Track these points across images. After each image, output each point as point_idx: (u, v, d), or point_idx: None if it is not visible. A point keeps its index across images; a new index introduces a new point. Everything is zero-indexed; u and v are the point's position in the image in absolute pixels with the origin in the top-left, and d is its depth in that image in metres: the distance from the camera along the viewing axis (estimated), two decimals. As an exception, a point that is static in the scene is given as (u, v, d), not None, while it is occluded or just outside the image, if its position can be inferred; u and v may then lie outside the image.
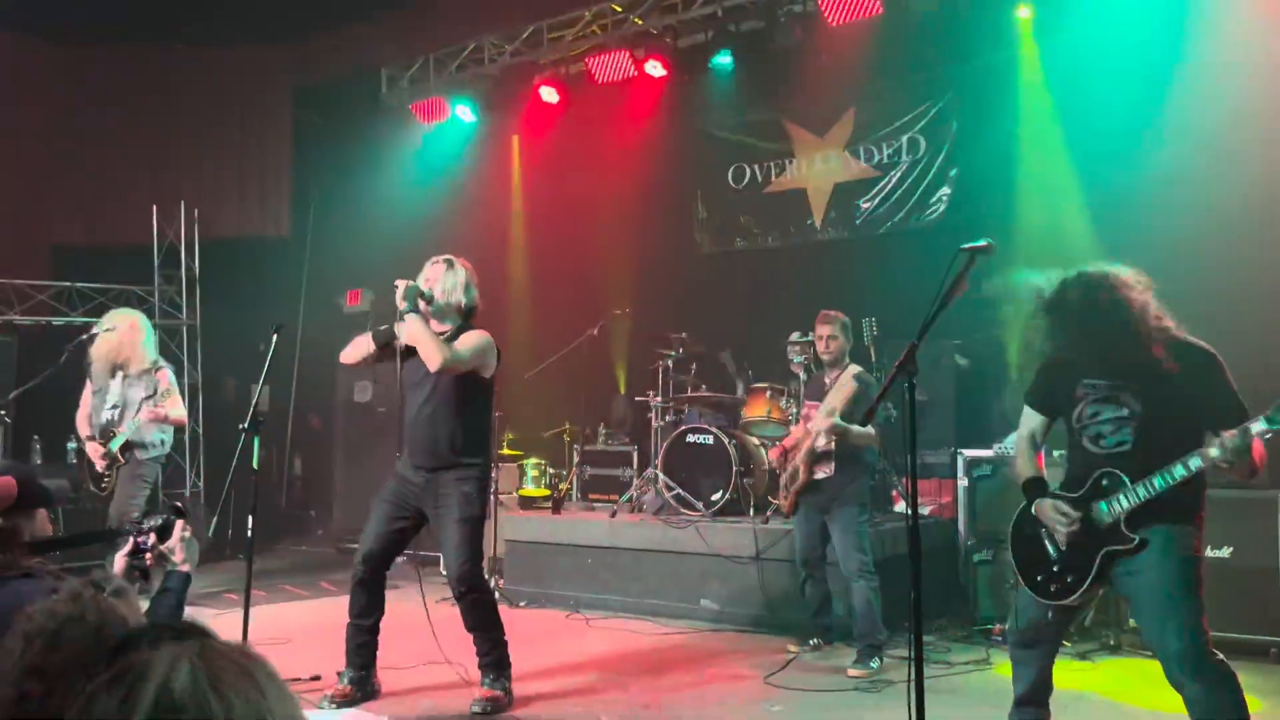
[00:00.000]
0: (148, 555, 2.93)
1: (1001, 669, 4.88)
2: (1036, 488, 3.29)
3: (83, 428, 6.27)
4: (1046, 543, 3.23)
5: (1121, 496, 3.05)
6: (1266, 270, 5.87)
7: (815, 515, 5.28)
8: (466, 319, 4.41)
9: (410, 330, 4.17)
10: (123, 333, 6.15)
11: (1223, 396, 3.03)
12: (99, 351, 6.13)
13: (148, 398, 6.04)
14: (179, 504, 3.10)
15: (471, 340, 4.31)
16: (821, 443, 5.11)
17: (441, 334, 4.28)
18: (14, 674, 1.72)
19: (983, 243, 3.01)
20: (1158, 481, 2.98)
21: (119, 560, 2.91)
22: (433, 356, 4.13)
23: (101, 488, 6.17)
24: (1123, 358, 3.11)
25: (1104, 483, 3.11)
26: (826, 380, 5.35)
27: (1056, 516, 3.14)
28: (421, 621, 4.40)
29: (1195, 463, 2.93)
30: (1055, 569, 3.20)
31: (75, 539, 4.38)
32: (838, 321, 5.30)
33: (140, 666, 1.04)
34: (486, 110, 9.30)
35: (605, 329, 7.91)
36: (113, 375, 6.12)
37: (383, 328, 4.43)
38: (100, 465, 6.09)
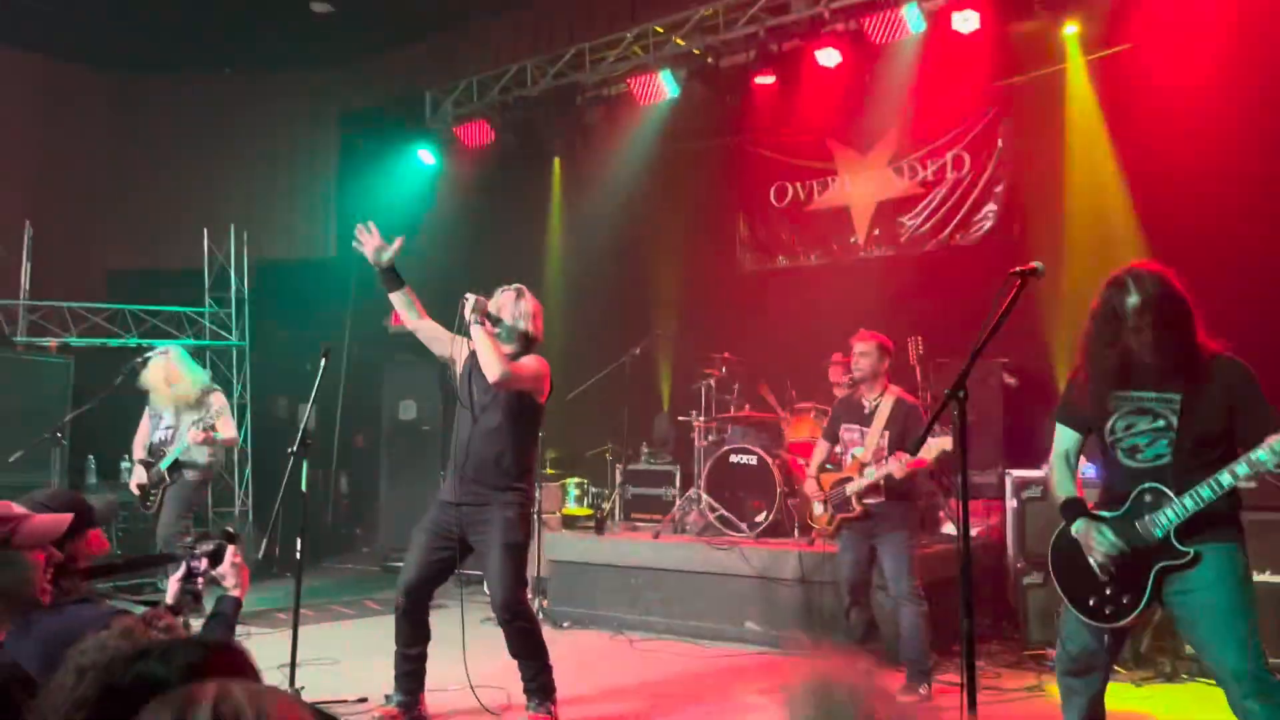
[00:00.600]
0: (200, 580, 2.97)
1: (1054, 694, 4.78)
2: (1075, 508, 3.20)
3: (138, 450, 6.53)
4: (1093, 564, 3.14)
5: (1169, 510, 2.97)
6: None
7: (862, 540, 5.18)
8: (527, 348, 4.45)
9: (476, 341, 4.26)
10: (155, 371, 6.38)
11: (1257, 405, 2.97)
12: (151, 380, 6.39)
13: (198, 420, 6.20)
14: (230, 529, 3.14)
15: (531, 363, 4.38)
16: (895, 475, 4.94)
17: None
18: (65, 707, 1.75)
19: (1033, 265, 2.97)
20: (1205, 492, 2.91)
21: (172, 585, 2.95)
22: (493, 367, 4.18)
23: (147, 505, 6.38)
24: (1160, 365, 3.03)
25: (1147, 498, 3.03)
26: (865, 402, 5.24)
27: (1098, 540, 3.06)
28: (468, 643, 4.42)
29: (1243, 469, 2.85)
30: (1107, 591, 3.09)
31: (130, 564, 4.45)
32: (872, 342, 5.22)
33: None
34: (528, 132, 9.38)
35: (647, 349, 7.91)
36: (169, 402, 6.40)
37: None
38: (134, 489, 6.36)
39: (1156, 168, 6.52)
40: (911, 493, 5.15)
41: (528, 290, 4.52)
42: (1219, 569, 2.94)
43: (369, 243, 4.51)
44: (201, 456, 6.36)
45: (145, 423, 6.56)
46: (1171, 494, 2.97)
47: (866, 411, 5.21)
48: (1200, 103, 6.34)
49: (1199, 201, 6.21)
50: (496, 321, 4.34)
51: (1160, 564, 3.00)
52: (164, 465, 6.23)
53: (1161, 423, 3.04)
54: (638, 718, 4.60)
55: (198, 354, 9.26)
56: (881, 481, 5.00)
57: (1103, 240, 6.75)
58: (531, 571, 5.71)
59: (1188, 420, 3.00)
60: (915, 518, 5.23)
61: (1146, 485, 3.03)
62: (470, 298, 4.26)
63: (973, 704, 2.64)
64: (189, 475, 6.32)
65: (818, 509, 5.36)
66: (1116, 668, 5.10)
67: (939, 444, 4.73)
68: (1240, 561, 2.98)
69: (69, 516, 2.33)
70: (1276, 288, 5.74)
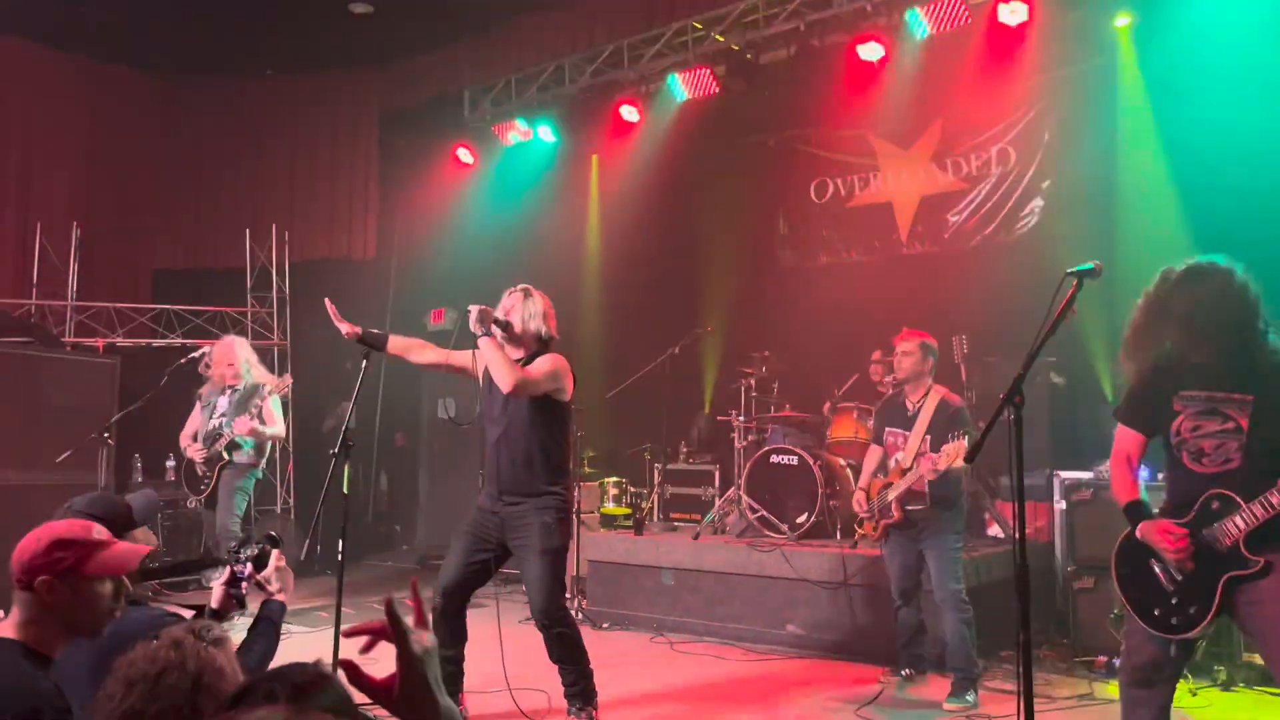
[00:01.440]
0: (244, 584, 2.97)
1: (1106, 702, 4.68)
2: (1139, 512, 3.09)
3: (185, 441, 6.72)
4: (1159, 572, 3.03)
5: (1238, 518, 2.87)
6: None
7: (910, 544, 5.09)
8: (542, 348, 4.40)
9: (484, 353, 4.23)
10: (219, 354, 6.68)
11: None
12: (213, 357, 6.68)
13: (249, 413, 6.42)
14: (273, 533, 3.15)
15: (544, 364, 4.30)
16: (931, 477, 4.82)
17: (516, 360, 4.31)
18: (114, 719, 1.75)
19: (1090, 265, 2.88)
20: (1276, 499, 2.80)
21: (216, 589, 2.96)
22: (505, 378, 4.15)
23: (201, 489, 6.53)
24: (1228, 363, 2.93)
25: (1215, 505, 2.93)
26: (908, 404, 5.11)
27: (1166, 538, 2.96)
28: (508, 646, 4.40)
29: None
30: (1174, 601, 2.99)
31: (176, 568, 4.52)
32: (915, 341, 5.08)
33: None
34: (567, 130, 9.35)
35: (687, 347, 7.85)
36: (222, 392, 6.64)
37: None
38: (197, 458, 6.53)
39: (1209, 163, 6.33)
40: (953, 496, 5.00)
41: (535, 289, 4.44)
42: None
43: (336, 322, 4.58)
44: (250, 445, 6.56)
45: (196, 414, 6.76)
46: (1240, 500, 2.87)
47: (910, 414, 5.08)
48: (1255, 98, 6.15)
49: (1254, 199, 6.02)
50: (506, 327, 4.31)
51: (1229, 573, 2.90)
52: (220, 447, 6.42)
53: (1231, 425, 2.94)
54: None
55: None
56: (925, 487, 4.88)
57: (1153, 238, 6.57)
58: (570, 572, 5.69)
59: (1258, 421, 2.89)
60: (959, 521, 5.09)
61: (1214, 491, 2.93)
62: (474, 309, 4.22)
63: (1030, 717, 2.56)
64: (239, 459, 6.50)
65: (865, 518, 5.26)
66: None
67: (955, 449, 4.57)
68: None
69: (145, 549, 2.29)
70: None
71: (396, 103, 10.52)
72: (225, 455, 6.46)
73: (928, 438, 4.93)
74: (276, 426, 6.58)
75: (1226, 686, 5.02)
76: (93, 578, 2.17)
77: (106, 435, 6.73)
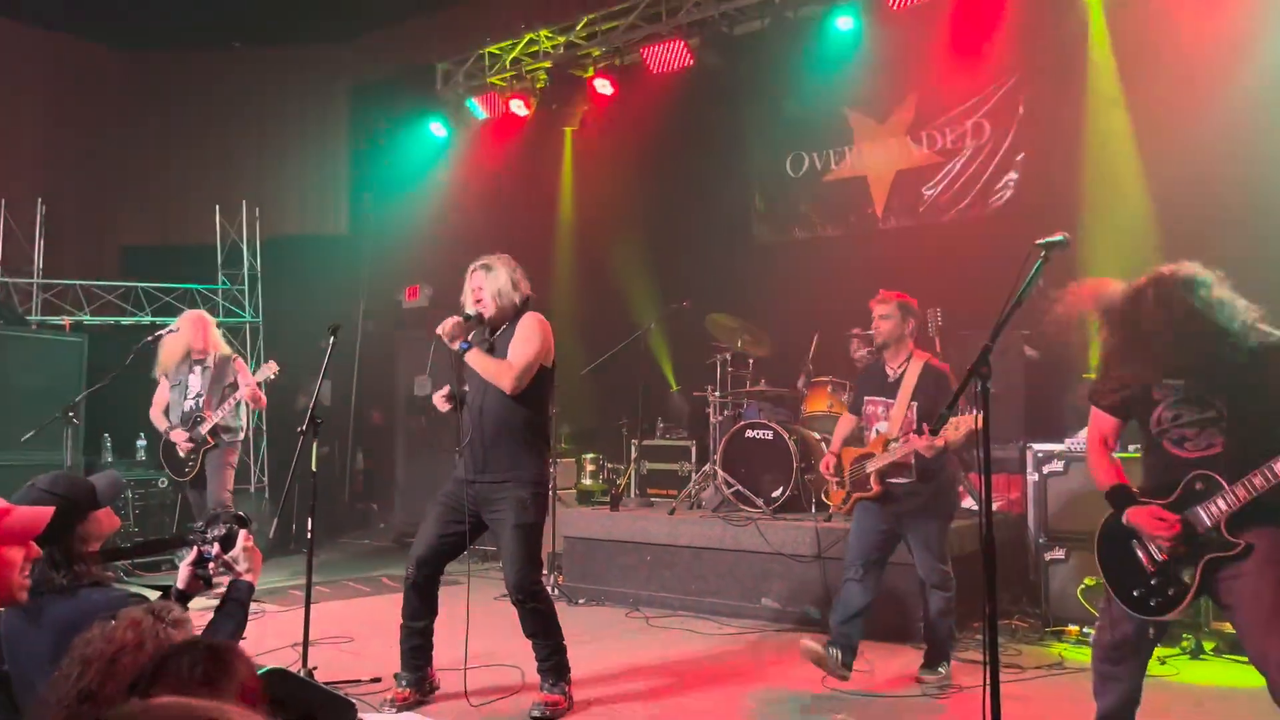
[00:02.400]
0: (211, 565, 2.94)
1: (1077, 670, 4.73)
2: (1125, 496, 3.13)
3: (159, 421, 6.54)
4: (1140, 554, 3.08)
5: (1220, 499, 2.91)
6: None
7: (886, 518, 4.69)
8: (523, 308, 4.36)
9: (473, 366, 4.23)
10: (195, 323, 6.47)
11: None
12: (171, 349, 6.42)
13: (230, 385, 6.31)
14: (241, 513, 3.11)
15: (530, 337, 4.23)
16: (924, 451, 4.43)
17: (501, 332, 4.29)
18: (70, 698, 1.72)
19: (1057, 237, 2.87)
20: (1258, 481, 2.85)
21: (182, 570, 2.93)
22: (503, 382, 4.17)
23: (185, 473, 6.40)
24: (1207, 356, 2.95)
25: (1198, 486, 2.97)
26: (888, 371, 4.77)
27: (1158, 524, 2.99)
28: (479, 620, 4.39)
29: None
30: (1154, 582, 3.04)
31: (142, 548, 4.45)
32: (892, 302, 4.72)
33: None
34: (540, 104, 9.27)
35: (664, 322, 7.83)
36: (190, 369, 6.42)
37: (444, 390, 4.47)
38: (184, 450, 6.34)
39: (1176, 134, 6.36)
40: (941, 473, 4.67)
41: (498, 258, 4.35)
42: (1269, 556, 2.88)
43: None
44: (237, 421, 6.45)
45: (164, 392, 6.54)
46: (1224, 483, 2.90)
47: (891, 380, 4.74)
48: (1223, 68, 6.17)
49: (1219, 167, 6.06)
50: (479, 321, 4.28)
51: (1209, 556, 2.94)
52: (206, 431, 6.29)
53: (1212, 412, 2.97)
54: (655, 696, 4.56)
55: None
56: (912, 460, 4.58)
57: (1122, 211, 6.60)
58: (547, 547, 5.68)
59: (1238, 409, 2.94)
60: (947, 500, 4.76)
61: (1197, 474, 2.96)
62: (443, 330, 4.21)
63: (996, 691, 2.57)
64: (226, 439, 6.39)
65: (835, 487, 5.00)
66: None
67: (965, 422, 4.16)
68: None
69: (49, 511, 2.23)
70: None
71: (367, 76, 10.39)
72: (211, 439, 6.32)
73: (914, 405, 4.62)
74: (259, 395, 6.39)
75: (1195, 654, 5.09)
76: None
77: (71, 414, 6.63)
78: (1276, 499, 2.87)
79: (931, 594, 4.76)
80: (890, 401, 4.71)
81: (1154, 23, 6.61)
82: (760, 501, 6.54)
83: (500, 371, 4.17)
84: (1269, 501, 2.87)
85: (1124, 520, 3.09)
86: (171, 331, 6.45)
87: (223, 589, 2.94)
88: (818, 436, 6.80)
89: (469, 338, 4.26)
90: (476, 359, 4.21)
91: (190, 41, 10.13)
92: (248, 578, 2.96)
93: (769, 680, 4.83)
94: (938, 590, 4.71)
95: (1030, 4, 7.09)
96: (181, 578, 2.90)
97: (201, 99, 10.42)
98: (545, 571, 5.73)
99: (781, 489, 6.47)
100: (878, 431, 4.75)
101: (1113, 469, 3.19)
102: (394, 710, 4.16)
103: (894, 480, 4.66)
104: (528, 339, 4.22)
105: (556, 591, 6.72)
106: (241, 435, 6.65)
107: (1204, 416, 2.98)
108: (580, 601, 6.63)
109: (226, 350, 6.54)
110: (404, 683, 4.33)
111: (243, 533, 3.00)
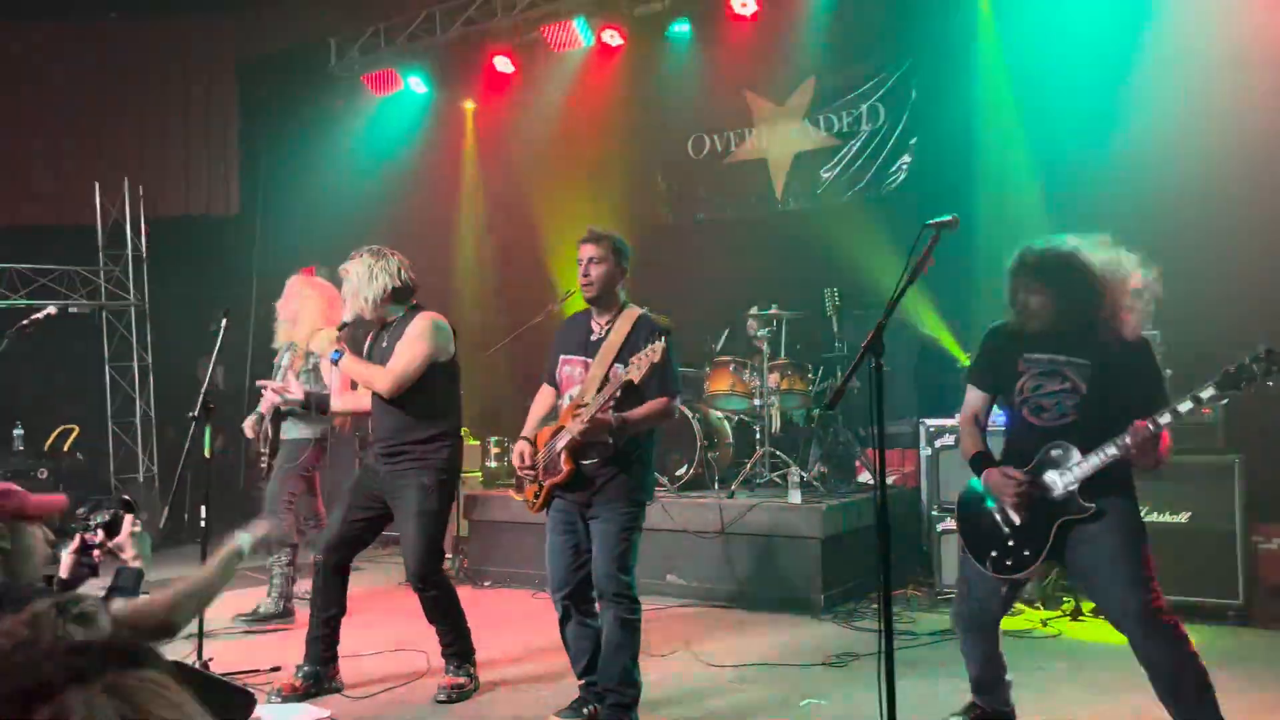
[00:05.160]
0: (96, 553, 2.82)
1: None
2: (983, 461, 3.32)
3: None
4: (998, 517, 3.27)
5: (1075, 468, 3.10)
6: (1219, 251, 5.78)
7: (578, 514, 3.74)
8: (404, 298, 4.28)
9: (349, 374, 4.28)
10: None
11: (1151, 381, 3.14)
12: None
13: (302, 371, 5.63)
14: (127, 497, 2.99)
15: (412, 338, 4.16)
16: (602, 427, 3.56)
17: (392, 320, 4.26)
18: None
19: (948, 218, 2.97)
20: (1111, 450, 3.03)
21: (65, 559, 2.80)
22: (381, 387, 4.17)
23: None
24: (1068, 331, 3.16)
25: (1054, 453, 3.16)
26: (594, 325, 3.80)
27: (1007, 482, 3.17)
28: (386, 608, 4.33)
29: (1166, 419, 2.96)
30: (1010, 543, 3.23)
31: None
32: (605, 240, 3.80)
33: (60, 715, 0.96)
34: (439, 81, 9.12)
35: (566, 303, 7.78)
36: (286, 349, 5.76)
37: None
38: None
39: (1063, 117, 6.62)
40: (636, 451, 3.69)
41: (377, 249, 4.24)
42: (1118, 520, 3.10)
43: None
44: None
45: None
46: (1077, 451, 3.08)
47: (595, 338, 3.78)
48: (1104, 54, 6.44)
49: (1106, 144, 6.31)
50: (360, 322, 4.28)
51: (1062, 518, 3.13)
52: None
53: (1069, 385, 3.17)
54: (562, 676, 4.57)
55: (92, 315, 8.85)
56: (609, 439, 3.58)
57: (1010, 194, 6.84)
58: (451, 530, 5.62)
59: (1095, 384, 3.13)
60: (640, 488, 3.73)
61: (1055, 442, 3.15)
62: (313, 347, 4.30)
63: (891, 651, 2.66)
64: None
65: (528, 482, 3.86)
66: (1022, 606, 5.33)
67: (655, 349, 3.46)
68: (1137, 516, 3.17)
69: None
70: (1185, 248, 5.80)
71: (256, 50, 10.03)
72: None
73: (616, 367, 3.64)
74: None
75: (1074, 616, 5.36)
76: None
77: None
78: (1120, 470, 3.09)
79: (603, 615, 3.69)
80: (590, 360, 3.74)
81: (1042, 10, 6.85)
82: (665, 480, 6.59)
83: (374, 377, 4.19)
84: (1119, 474, 3.10)
85: (981, 482, 3.28)
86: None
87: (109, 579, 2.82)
88: (721, 415, 6.90)
89: (342, 351, 4.25)
90: (350, 366, 4.24)
91: (64, 12, 9.60)
92: (136, 564, 2.86)
93: (676, 657, 4.88)
94: (614, 607, 3.63)
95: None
96: (65, 566, 2.78)
97: (78, 72, 9.87)
98: (449, 555, 5.68)
99: (686, 467, 6.54)
100: (570, 397, 3.76)
101: (978, 439, 3.39)
102: (280, 700, 4.08)
103: (586, 461, 3.65)
104: (411, 342, 4.17)
105: (462, 575, 6.66)
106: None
107: (1062, 388, 3.18)
108: (485, 584, 6.59)
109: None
110: (300, 674, 4.23)
111: (128, 518, 2.88)
